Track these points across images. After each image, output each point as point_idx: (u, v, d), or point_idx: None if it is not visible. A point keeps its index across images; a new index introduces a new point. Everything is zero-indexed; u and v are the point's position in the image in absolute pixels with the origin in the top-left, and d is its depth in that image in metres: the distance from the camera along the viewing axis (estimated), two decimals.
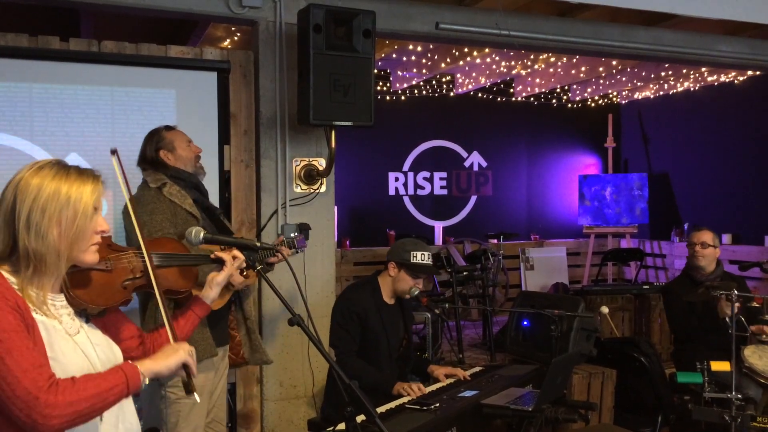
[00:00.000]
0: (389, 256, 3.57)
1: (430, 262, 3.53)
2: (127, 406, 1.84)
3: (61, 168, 1.73)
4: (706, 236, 4.57)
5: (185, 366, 1.82)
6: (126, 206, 3.04)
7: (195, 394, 1.83)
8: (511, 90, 9.04)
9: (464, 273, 6.63)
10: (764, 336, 4.23)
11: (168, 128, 3.30)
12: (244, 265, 2.31)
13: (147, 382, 1.75)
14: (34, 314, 1.65)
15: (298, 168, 4.33)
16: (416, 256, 3.47)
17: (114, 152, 2.01)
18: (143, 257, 1.98)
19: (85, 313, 1.83)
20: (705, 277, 4.52)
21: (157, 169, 3.19)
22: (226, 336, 3.32)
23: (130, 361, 1.76)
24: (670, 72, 7.83)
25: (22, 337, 1.58)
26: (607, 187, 9.04)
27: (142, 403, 3.87)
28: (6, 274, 1.67)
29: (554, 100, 9.47)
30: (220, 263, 2.25)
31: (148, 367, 1.76)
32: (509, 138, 9.50)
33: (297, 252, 3.38)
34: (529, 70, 8.02)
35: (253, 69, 4.31)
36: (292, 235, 3.34)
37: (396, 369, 3.64)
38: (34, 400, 1.54)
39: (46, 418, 1.55)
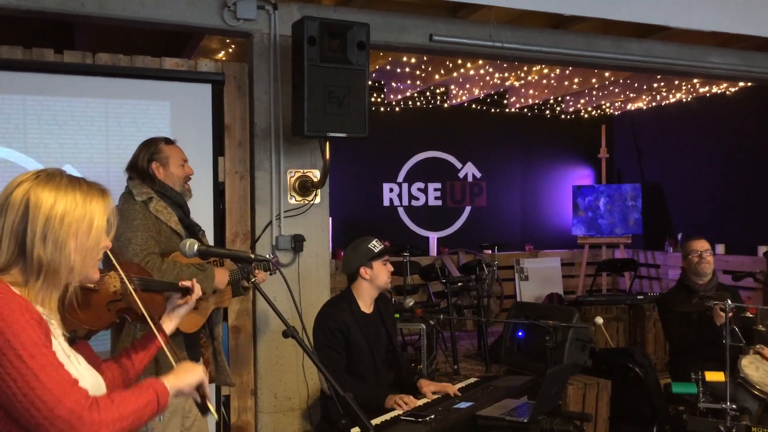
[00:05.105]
0: (354, 265, 3.56)
1: (382, 244, 3.64)
2: None
3: (72, 178, 1.65)
4: (707, 243, 4.63)
5: (200, 386, 1.77)
6: None
7: (211, 410, 1.78)
8: (505, 101, 9.08)
9: (459, 284, 6.63)
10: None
11: (167, 141, 3.21)
12: (201, 296, 2.17)
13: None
14: None
15: (293, 179, 4.33)
16: (375, 245, 3.55)
17: None
18: (123, 279, 1.89)
19: (70, 336, 1.73)
20: (703, 287, 4.53)
21: (144, 180, 3.09)
22: (198, 352, 3.30)
23: (155, 378, 1.69)
24: (662, 83, 7.87)
25: (52, 352, 1.50)
26: (601, 197, 9.07)
27: None
28: (15, 289, 1.56)
29: (548, 112, 9.51)
30: (187, 292, 2.12)
31: (173, 384, 1.69)
32: (503, 149, 9.53)
33: (272, 274, 3.37)
34: (522, 82, 8.06)
35: (248, 81, 4.32)
36: (268, 256, 3.32)
37: (387, 377, 3.63)
38: (78, 419, 1.46)
39: None
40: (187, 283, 2.11)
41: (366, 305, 3.58)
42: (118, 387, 1.92)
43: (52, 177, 1.62)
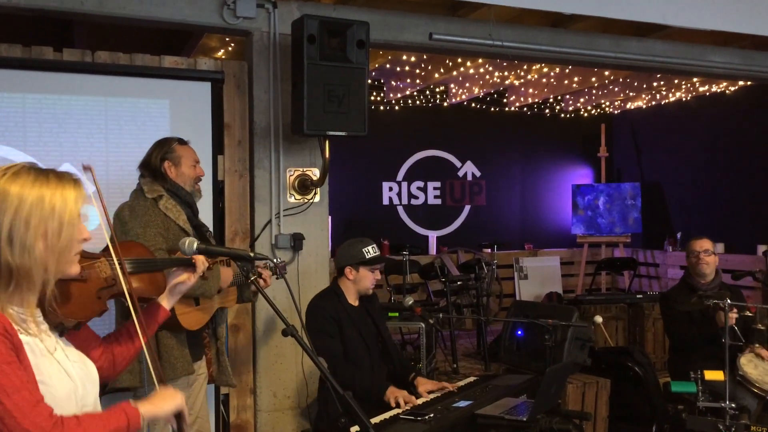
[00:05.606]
0: (342, 262, 3.63)
1: (378, 251, 3.67)
2: None
3: (39, 173, 1.57)
4: (708, 244, 4.65)
5: (179, 414, 1.74)
6: (116, 214, 3.06)
7: None
8: (505, 100, 9.08)
9: (458, 282, 6.63)
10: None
11: (181, 142, 3.26)
12: (204, 272, 2.17)
13: (145, 426, 1.66)
14: (20, 335, 1.52)
15: (292, 178, 4.33)
16: (369, 251, 3.59)
17: (87, 169, 1.84)
18: (114, 264, 1.84)
19: (60, 328, 1.69)
20: (705, 286, 4.55)
21: (156, 179, 3.15)
22: (201, 350, 3.31)
23: (131, 402, 1.65)
24: (662, 82, 7.87)
25: (15, 369, 1.46)
26: (601, 196, 9.07)
27: None
28: None
29: (547, 111, 9.50)
30: (191, 266, 2.11)
31: (148, 410, 1.65)
32: (503, 148, 9.52)
33: (278, 278, 3.37)
34: (522, 81, 8.06)
35: (247, 79, 4.31)
36: (275, 261, 3.34)
37: (382, 368, 3.65)
38: None
39: None
40: (196, 258, 2.09)
41: (353, 299, 3.66)
42: (109, 372, 1.91)
43: (18, 174, 1.55)
